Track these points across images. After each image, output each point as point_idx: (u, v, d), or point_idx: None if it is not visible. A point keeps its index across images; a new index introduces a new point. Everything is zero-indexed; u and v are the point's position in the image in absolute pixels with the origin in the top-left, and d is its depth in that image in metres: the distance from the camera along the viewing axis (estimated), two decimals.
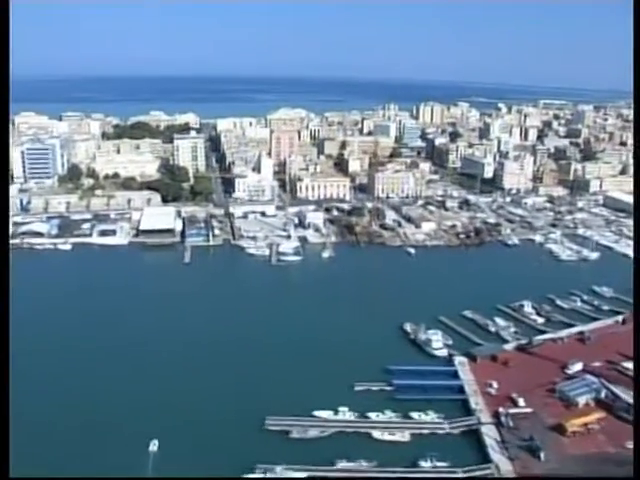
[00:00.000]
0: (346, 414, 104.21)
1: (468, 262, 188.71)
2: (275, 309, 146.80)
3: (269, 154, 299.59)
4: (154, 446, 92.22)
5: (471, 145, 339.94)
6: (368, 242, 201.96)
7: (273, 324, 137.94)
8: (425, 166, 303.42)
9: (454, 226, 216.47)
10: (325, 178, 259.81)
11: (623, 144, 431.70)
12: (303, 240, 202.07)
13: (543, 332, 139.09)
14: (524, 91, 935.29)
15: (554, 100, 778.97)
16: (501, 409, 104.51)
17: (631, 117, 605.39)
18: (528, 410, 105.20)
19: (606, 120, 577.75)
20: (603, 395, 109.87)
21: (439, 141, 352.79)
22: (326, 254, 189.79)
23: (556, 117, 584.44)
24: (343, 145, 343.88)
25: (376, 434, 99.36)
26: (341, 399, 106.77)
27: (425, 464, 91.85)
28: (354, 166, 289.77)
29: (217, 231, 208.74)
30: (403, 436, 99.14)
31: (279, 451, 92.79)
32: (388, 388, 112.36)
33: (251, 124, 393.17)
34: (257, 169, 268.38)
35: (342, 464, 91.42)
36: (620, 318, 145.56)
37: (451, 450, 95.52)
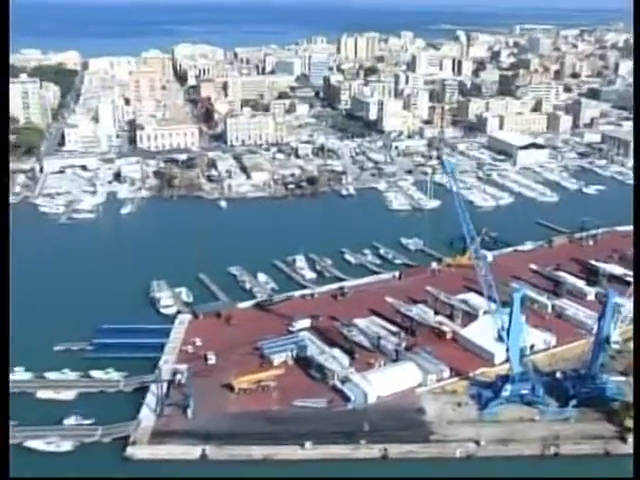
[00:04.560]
0: (22, 374, 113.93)
1: (282, 215, 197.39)
2: (29, 265, 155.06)
3: (127, 99, 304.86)
4: None
5: (367, 83, 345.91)
6: (184, 195, 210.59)
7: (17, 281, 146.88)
8: (303, 108, 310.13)
9: (292, 175, 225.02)
10: (171, 126, 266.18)
11: (575, 75, 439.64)
12: (112, 195, 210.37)
13: (304, 287, 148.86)
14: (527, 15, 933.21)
15: (536, 25, 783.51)
16: (179, 366, 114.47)
17: (610, 43, 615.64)
18: (212, 367, 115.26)
19: (575, 47, 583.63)
20: (309, 352, 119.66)
21: (335, 79, 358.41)
22: (126, 210, 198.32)
23: (516, 45, 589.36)
24: (225, 87, 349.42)
25: (40, 394, 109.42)
26: (35, 359, 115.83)
27: (68, 421, 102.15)
28: (222, 110, 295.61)
29: (18, 188, 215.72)
30: (67, 395, 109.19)
31: None
32: (90, 347, 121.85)
33: (129, 63, 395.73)
34: (97, 118, 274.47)
35: None
36: (397, 273, 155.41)
37: (111, 407, 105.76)
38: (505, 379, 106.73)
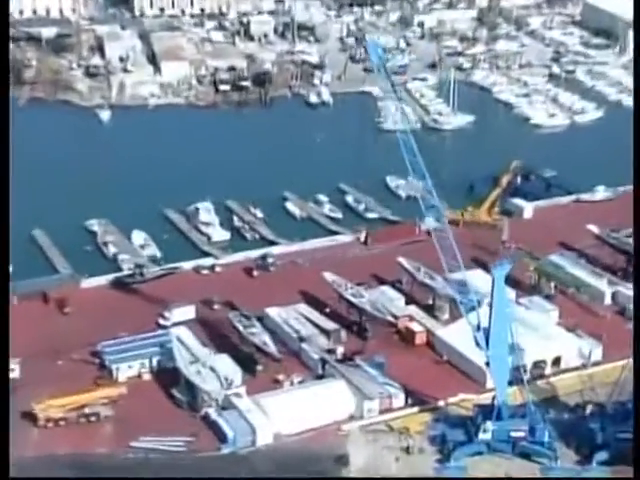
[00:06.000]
0: None
1: (200, 136, 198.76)
2: None
3: None
4: None
5: None
6: (40, 99, 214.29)
7: None
8: None
9: (232, 69, 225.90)
10: None
11: None
12: None
13: (207, 255, 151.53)
14: None
15: None
16: None
17: None
18: (13, 384, 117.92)
19: None
20: (179, 361, 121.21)
21: None
22: None
23: None
24: None
25: None
26: None
27: None
28: None
29: None
30: None
31: None
32: None
33: None
34: None
35: None
36: (363, 235, 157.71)
37: None
38: (488, 413, 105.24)
